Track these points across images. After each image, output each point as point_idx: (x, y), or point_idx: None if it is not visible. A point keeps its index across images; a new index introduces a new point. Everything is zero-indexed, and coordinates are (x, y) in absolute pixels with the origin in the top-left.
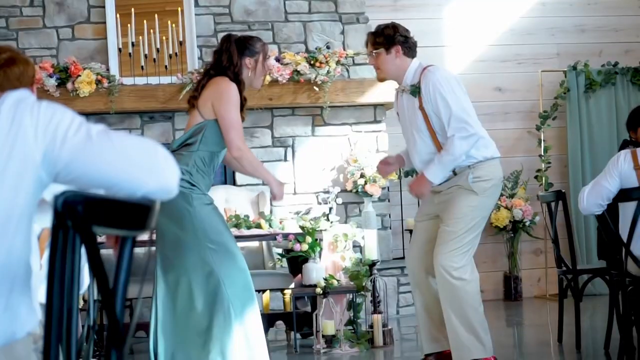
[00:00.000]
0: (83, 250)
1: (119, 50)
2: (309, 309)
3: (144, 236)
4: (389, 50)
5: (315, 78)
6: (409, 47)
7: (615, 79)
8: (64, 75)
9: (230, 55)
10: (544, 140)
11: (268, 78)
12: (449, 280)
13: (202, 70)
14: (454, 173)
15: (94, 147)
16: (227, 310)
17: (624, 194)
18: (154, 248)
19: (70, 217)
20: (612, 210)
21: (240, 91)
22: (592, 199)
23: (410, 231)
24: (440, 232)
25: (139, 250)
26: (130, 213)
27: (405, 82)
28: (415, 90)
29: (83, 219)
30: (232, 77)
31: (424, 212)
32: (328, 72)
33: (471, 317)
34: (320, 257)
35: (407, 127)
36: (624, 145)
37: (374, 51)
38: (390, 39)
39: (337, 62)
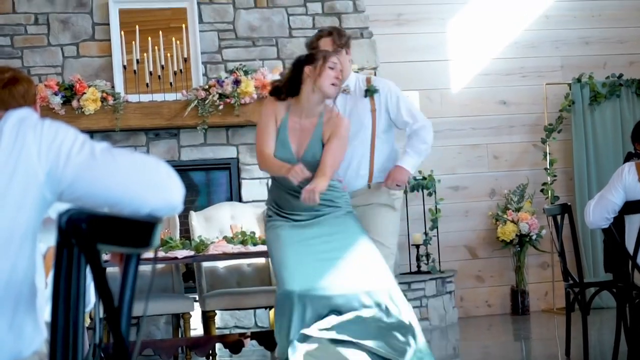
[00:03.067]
0: (89, 268)
1: (124, 67)
2: None
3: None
4: (348, 51)
5: None
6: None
7: (620, 91)
8: (69, 93)
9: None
10: (549, 153)
11: None
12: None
13: (206, 86)
14: (369, 187)
15: (98, 165)
16: None
17: (630, 207)
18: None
19: (75, 235)
20: (618, 222)
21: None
22: (598, 212)
23: (417, 246)
24: (370, 248)
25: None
26: (135, 230)
27: (348, 85)
28: (372, 92)
29: (87, 237)
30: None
31: None
32: None
33: None
34: None
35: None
36: (628, 158)
37: (340, 48)
38: (348, 40)
39: None
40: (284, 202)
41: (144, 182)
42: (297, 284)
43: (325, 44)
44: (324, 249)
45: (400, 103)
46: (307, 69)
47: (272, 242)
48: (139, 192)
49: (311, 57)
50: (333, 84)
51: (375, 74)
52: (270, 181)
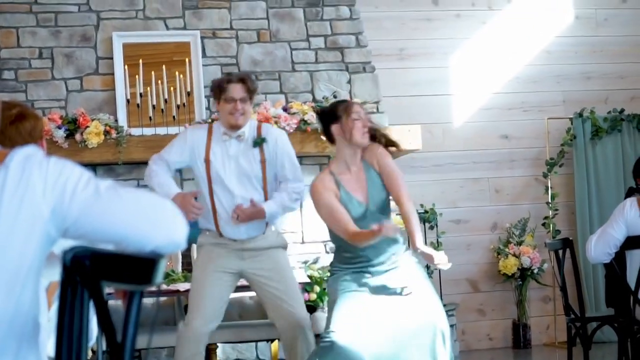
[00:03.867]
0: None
1: (127, 101)
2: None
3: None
4: (252, 101)
5: None
6: None
7: (621, 125)
8: (73, 127)
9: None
10: (551, 187)
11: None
12: (309, 335)
13: (209, 120)
14: (264, 233)
15: (103, 202)
16: None
17: (631, 242)
18: (162, 298)
19: (79, 272)
20: (619, 257)
21: None
22: (599, 248)
23: None
24: (284, 290)
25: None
26: (138, 268)
27: (242, 132)
28: (259, 142)
29: (91, 274)
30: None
31: (224, 265)
32: None
33: None
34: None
35: (229, 174)
36: (630, 193)
37: (247, 96)
38: (256, 91)
39: None
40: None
41: (149, 220)
42: None
43: (235, 89)
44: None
45: (285, 158)
46: (335, 129)
47: None
48: (144, 229)
49: (333, 114)
50: (364, 133)
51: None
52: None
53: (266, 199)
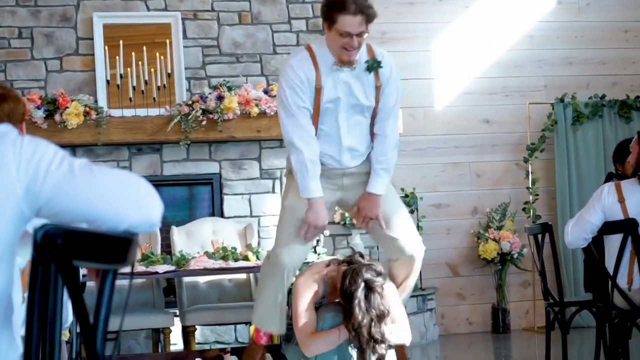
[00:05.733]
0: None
1: (107, 82)
2: None
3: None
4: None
5: None
6: None
7: (602, 111)
8: (52, 107)
9: None
10: (531, 172)
11: (256, 110)
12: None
13: (190, 102)
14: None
15: (77, 181)
16: None
17: (609, 227)
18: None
19: (50, 250)
20: (597, 242)
21: None
22: (576, 233)
23: None
24: (393, 214)
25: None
26: (111, 247)
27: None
28: (374, 66)
29: (63, 252)
30: None
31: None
32: None
33: None
34: None
35: (338, 110)
36: (609, 178)
37: (366, 30)
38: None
39: None
40: None
41: (124, 199)
42: None
43: (353, 23)
44: None
45: (394, 90)
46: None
47: None
48: (118, 208)
49: None
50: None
51: None
52: None
53: (372, 129)
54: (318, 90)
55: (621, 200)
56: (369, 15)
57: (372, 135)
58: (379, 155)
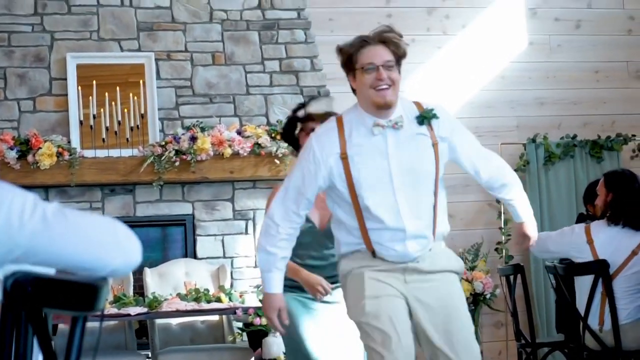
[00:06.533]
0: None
1: (80, 122)
2: None
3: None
4: (399, 67)
5: (277, 151)
6: None
7: (574, 151)
8: (25, 148)
9: None
10: (504, 213)
11: (229, 151)
12: None
13: (163, 143)
14: (429, 250)
15: (53, 230)
16: None
17: (580, 268)
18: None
19: (20, 298)
20: (569, 283)
21: None
22: (536, 248)
23: None
24: (453, 330)
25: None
26: (80, 293)
27: (399, 116)
28: (429, 116)
29: (33, 300)
30: None
31: (392, 286)
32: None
33: None
34: None
35: (391, 182)
36: (580, 219)
37: (393, 61)
38: (405, 55)
39: None
40: None
41: (104, 244)
42: None
43: (376, 52)
44: None
45: (462, 136)
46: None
47: None
48: (100, 254)
49: (293, 124)
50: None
51: None
52: None
53: (436, 204)
54: (344, 160)
55: (590, 241)
56: (390, 42)
57: (435, 216)
58: (503, 195)
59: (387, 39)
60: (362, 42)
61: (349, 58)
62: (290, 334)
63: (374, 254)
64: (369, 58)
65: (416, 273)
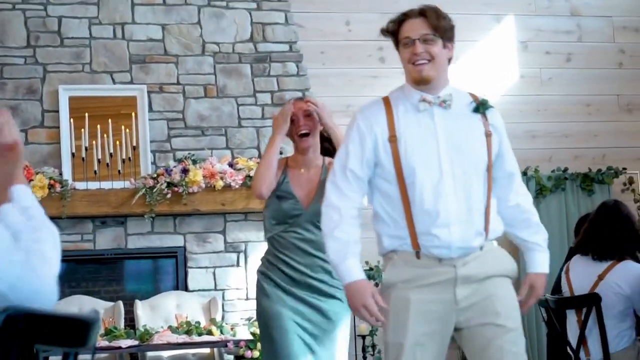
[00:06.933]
0: None
1: (72, 154)
2: None
3: None
4: (446, 44)
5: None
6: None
7: (565, 184)
8: None
9: None
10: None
11: (221, 183)
12: None
13: (155, 175)
14: (480, 248)
15: None
16: None
17: (570, 302)
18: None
19: (12, 335)
20: (560, 316)
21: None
22: None
23: (363, 337)
24: (499, 341)
25: None
26: (73, 329)
27: (448, 95)
28: (485, 106)
29: (25, 336)
30: None
31: (441, 319)
32: None
33: None
34: None
35: (438, 158)
36: (570, 254)
37: (432, 34)
38: (451, 30)
39: None
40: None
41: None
42: None
43: (413, 25)
44: None
45: (505, 141)
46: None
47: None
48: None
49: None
50: (301, 135)
51: None
52: None
53: (489, 195)
54: (393, 142)
55: (567, 271)
56: (430, 15)
57: (488, 209)
58: (525, 236)
59: (426, 11)
60: (402, 16)
61: (394, 35)
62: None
63: (418, 254)
64: (407, 32)
65: (467, 284)
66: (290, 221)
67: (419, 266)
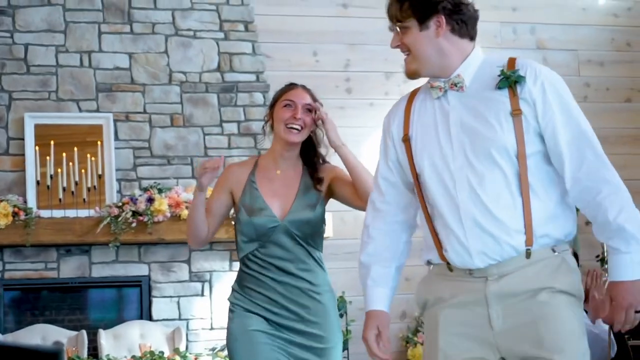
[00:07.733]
0: None
1: (37, 182)
2: None
3: None
4: (425, 23)
5: (233, 213)
6: (464, 22)
7: None
8: None
9: None
10: None
11: (186, 212)
12: None
13: (120, 204)
14: (527, 255)
15: None
16: None
17: None
18: None
19: None
20: None
21: None
22: None
23: None
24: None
25: None
26: None
27: (454, 74)
28: (509, 79)
29: None
30: None
31: (475, 348)
32: None
33: None
34: None
35: (451, 152)
36: None
37: (401, 23)
38: (429, 4)
39: None
40: None
41: None
42: None
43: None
44: None
45: (561, 117)
46: (272, 114)
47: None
48: None
49: (274, 98)
50: (292, 128)
51: None
52: None
53: (523, 187)
54: (406, 142)
55: None
56: (392, 4)
57: (528, 205)
58: (600, 226)
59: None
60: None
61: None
62: None
63: (449, 266)
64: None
65: (504, 301)
66: (264, 237)
67: (451, 279)
